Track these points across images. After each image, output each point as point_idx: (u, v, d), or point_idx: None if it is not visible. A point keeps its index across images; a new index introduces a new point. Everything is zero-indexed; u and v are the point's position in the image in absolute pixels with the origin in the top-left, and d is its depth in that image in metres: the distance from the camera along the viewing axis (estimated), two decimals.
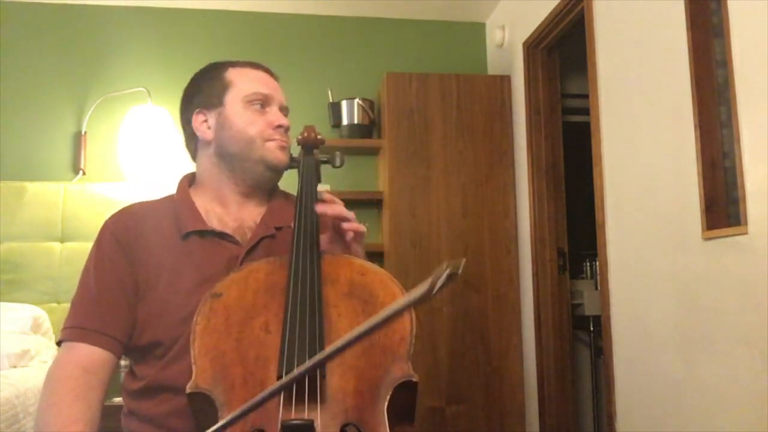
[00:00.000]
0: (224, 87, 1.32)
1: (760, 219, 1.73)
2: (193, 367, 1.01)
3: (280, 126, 1.32)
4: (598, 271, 2.81)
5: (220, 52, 3.58)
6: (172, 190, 1.37)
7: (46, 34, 3.49)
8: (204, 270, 1.21)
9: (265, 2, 3.63)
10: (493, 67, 3.80)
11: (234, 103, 1.31)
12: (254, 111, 1.31)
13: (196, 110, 1.33)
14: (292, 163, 1.38)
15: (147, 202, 1.36)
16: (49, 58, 3.48)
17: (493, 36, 3.70)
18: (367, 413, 0.97)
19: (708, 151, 1.98)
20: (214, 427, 0.90)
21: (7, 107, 3.39)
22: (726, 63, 1.87)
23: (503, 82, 3.49)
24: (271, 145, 1.30)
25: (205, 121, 1.33)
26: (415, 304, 1.04)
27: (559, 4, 2.92)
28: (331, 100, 3.57)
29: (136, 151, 3.37)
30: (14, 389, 2.18)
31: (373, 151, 3.60)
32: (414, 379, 1.01)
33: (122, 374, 1.27)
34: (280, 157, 1.31)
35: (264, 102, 1.32)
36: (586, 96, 2.76)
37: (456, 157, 3.38)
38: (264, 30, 3.69)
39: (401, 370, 1.01)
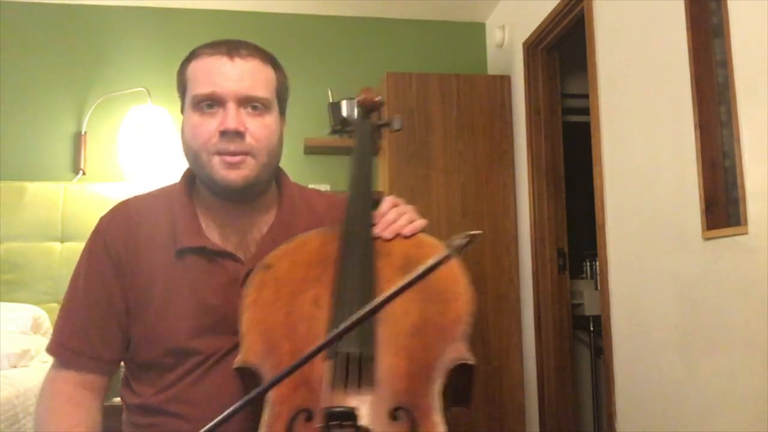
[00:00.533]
0: (184, 87, 1.13)
1: (760, 219, 1.73)
2: (242, 341, 0.97)
3: (224, 132, 1.05)
4: (598, 271, 2.81)
5: None
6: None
7: (46, 34, 3.49)
8: (199, 293, 1.09)
9: (265, 2, 3.63)
10: (493, 67, 3.80)
11: (187, 109, 1.11)
12: (201, 115, 1.07)
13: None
14: (347, 127, 1.24)
15: (146, 200, 1.20)
16: (49, 58, 3.48)
17: (493, 36, 3.70)
18: (419, 397, 0.91)
19: (708, 151, 1.98)
20: (246, 398, 0.78)
21: (7, 107, 3.39)
22: (726, 63, 1.87)
23: (503, 82, 3.49)
24: (216, 161, 1.06)
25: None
26: (444, 261, 0.96)
27: (559, 4, 2.92)
28: (331, 100, 3.57)
29: (136, 151, 3.37)
30: (14, 389, 2.18)
31: (373, 151, 3.60)
32: (470, 362, 0.93)
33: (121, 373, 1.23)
34: (227, 178, 1.06)
35: (213, 102, 1.07)
36: (586, 96, 2.76)
37: (456, 157, 3.38)
38: (264, 30, 3.69)
39: (456, 352, 0.94)
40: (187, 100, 1.11)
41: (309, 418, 0.88)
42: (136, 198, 1.22)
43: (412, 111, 3.37)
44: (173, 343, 1.08)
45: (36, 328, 2.84)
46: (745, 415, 1.79)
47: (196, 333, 1.09)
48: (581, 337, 3.67)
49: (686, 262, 2.06)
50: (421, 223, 1.09)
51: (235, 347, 1.02)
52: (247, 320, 0.99)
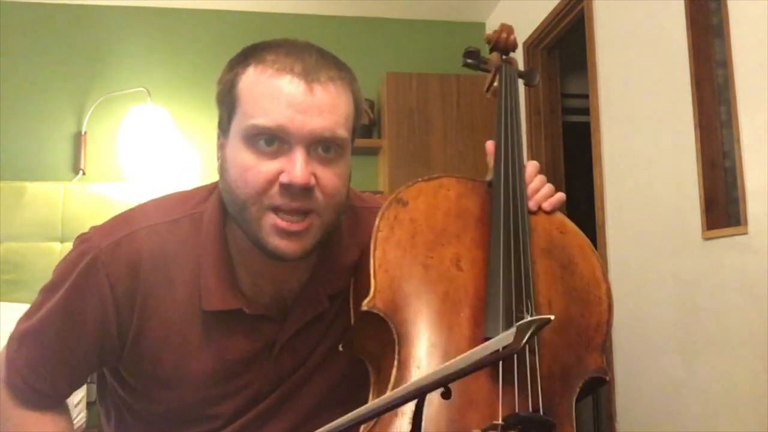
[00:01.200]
0: (232, 105, 0.84)
1: (760, 219, 1.73)
2: (372, 281, 0.82)
3: (288, 185, 0.80)
4: None
5: (219, 52, 3.57)
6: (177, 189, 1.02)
7: (46, 34, 3.49)
8: (226, 357, 0.90)
9: (265, 2, 3.63)
10: None
11: (235, 136, 0.84)
12: (256, 154, 0.81)
13: (218, 126, 0.90)
14: (485, 66, 1.14)
15: (164, 230, 0.90)
16: (49, 58, 3.48)
17: None
18: (556, 401, 0.81)
19: (708, 151, 1.98)
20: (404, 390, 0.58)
21: (7, 107, 3.39)
22: (726, 63, 1.87)
23: None
24: (268, 222, 0.82)
25: (221, 146, 0.89)
26: (499, 358, 0.72)
27: (559, 4, 2.92)
28: None
29: (136, 151, 3.36)
30: None
31: (373, 151, 3.60)
32: (607, 378, 0.86)
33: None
34: (279, 248, 0.82)
35: (275, 138, 0.81)
36: (586, 96, 2.76)
37: (456, 157, 3.38)
38: (264, 30, 3.68)
39: (596, 363, 0.86)
40: (237, 125, 0.83)
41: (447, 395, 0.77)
42: (149, 224, 0.91)
43: (412, 111, 3.37)
44: (186, 411, 0.92)
45: None
46: (745, 415, 1.79)
47: (217, 401, 0.92)
48: None
49: (686, 262, 2.06)
50: (561, 196, 0.97)
51: (260, 416, 0.91)
52: (379, 258, 0.84)
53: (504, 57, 1.15)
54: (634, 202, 2.38)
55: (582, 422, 3.55)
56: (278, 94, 0.80)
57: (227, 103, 0.85)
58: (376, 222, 0.87)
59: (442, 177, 0.95)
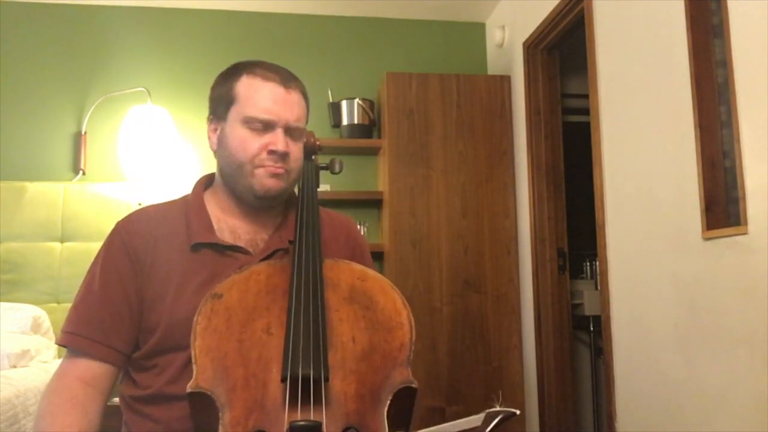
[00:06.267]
0: (230, 100, 1.24)
1: (760, 219, 1.73)
2: (194, 367, 1.00)
3: (274, 151, 1.21)
4: (598, 271, 2.81)
5: (220, 52, 3.59)
6: (179, 190, 1.35)
7: (46, 34, 3.49)
8: (212, 283, 1.16)
9: (265, 2, 3.63)
10: (493, 67, 3.80)
11: (234, 121, 1.23)
12: (251, 132, 1.22)
13: (209, 116, 1.29)
14: None
15: (161, 206, 1.31)
16: (49, 58, 3.48)
17: (493, 36, 3.70)
18: (368, 417, 0.98)
19: (708, 151, 1.98)
20: None
21: (7, 107, 3.39)
22: (726, 63, 1.88)
23: (503, 82, 3.49)
24: (260, 172, 1.22)
25: (215, 130, 1.28)
26: None
27: (559, 4, 2.92)
28: (331, 100, 3.57)
29: (136, 151, 3.36)
30: (14, 389, 2.18)
31: (373, 151, 3.60)
32: (414, 385, 1.02)
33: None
34: (268, 185, 1.22)
35: (265, 126, 1.22)
36: (586, 96, 2.76)
37: (456, 157, 3.38)
38: (264, 30, 3.69)
39: (401, 376, 1.03)
40: (236, 114, 1.23)
41: None
42: (153, 205, 1.34)
43: (412, 111, 3.37)
44: (186, 326, 1.10)
45: (36, 328, 2.83)
46: (745, 415, 1.79)
47: None
48: (581, 337, 3.67)
49: (686, 262, 2.06)
50: None
51: None
52: (198, 347, 1.02)
53: (306, 158, 1.38)
54: (634, 202, 2.38)
55: (582, 422, 3.55)
56: (267, 96, 1.23)
57: (225, 99, 1.25)
58: (195, 317, 1.05)
59: (252, 266, 1.16)
